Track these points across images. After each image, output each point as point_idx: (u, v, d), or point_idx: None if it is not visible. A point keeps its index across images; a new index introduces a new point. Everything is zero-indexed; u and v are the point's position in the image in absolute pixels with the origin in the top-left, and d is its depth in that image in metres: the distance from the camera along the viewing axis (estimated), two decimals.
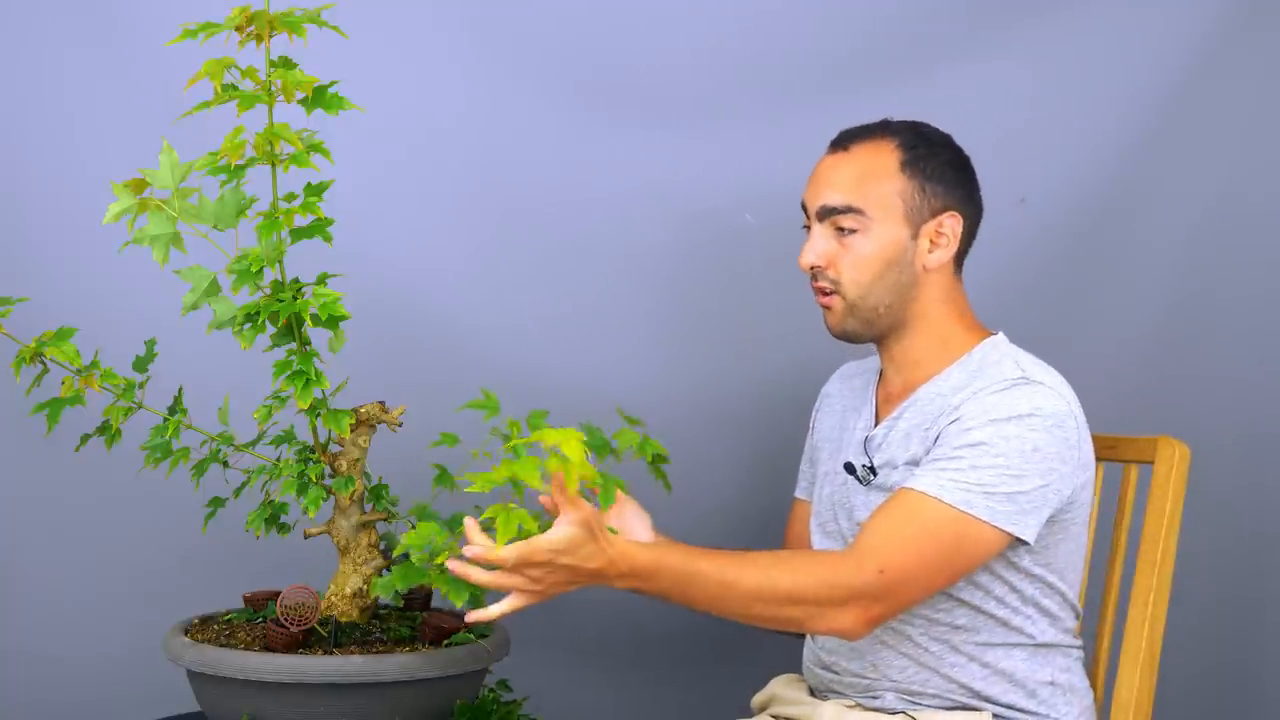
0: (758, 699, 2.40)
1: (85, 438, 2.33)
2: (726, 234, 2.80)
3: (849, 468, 2.30)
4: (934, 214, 2.26)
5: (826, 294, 2.29)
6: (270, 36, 2.12)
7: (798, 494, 2.54)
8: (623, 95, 2.79)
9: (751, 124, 2.80)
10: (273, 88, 2.12)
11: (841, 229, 2.26)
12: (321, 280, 2.19)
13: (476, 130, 2.78)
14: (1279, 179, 2.83)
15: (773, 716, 2.34)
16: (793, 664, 2.41)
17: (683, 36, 2.79)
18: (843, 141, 2.31)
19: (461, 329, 2.78)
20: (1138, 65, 2.80)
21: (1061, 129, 2.79)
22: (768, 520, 2.75)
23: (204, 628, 2.29)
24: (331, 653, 2.17)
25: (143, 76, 2.67)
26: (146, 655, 2.52)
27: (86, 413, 2.31)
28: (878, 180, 2.25)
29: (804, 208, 2.32)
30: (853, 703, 2.25)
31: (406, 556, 2.10)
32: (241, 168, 2.13)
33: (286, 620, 2.19)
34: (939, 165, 2.27)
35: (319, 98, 2.14)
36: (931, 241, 2.26)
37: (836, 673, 2.29)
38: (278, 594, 2.27)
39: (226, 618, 2.34)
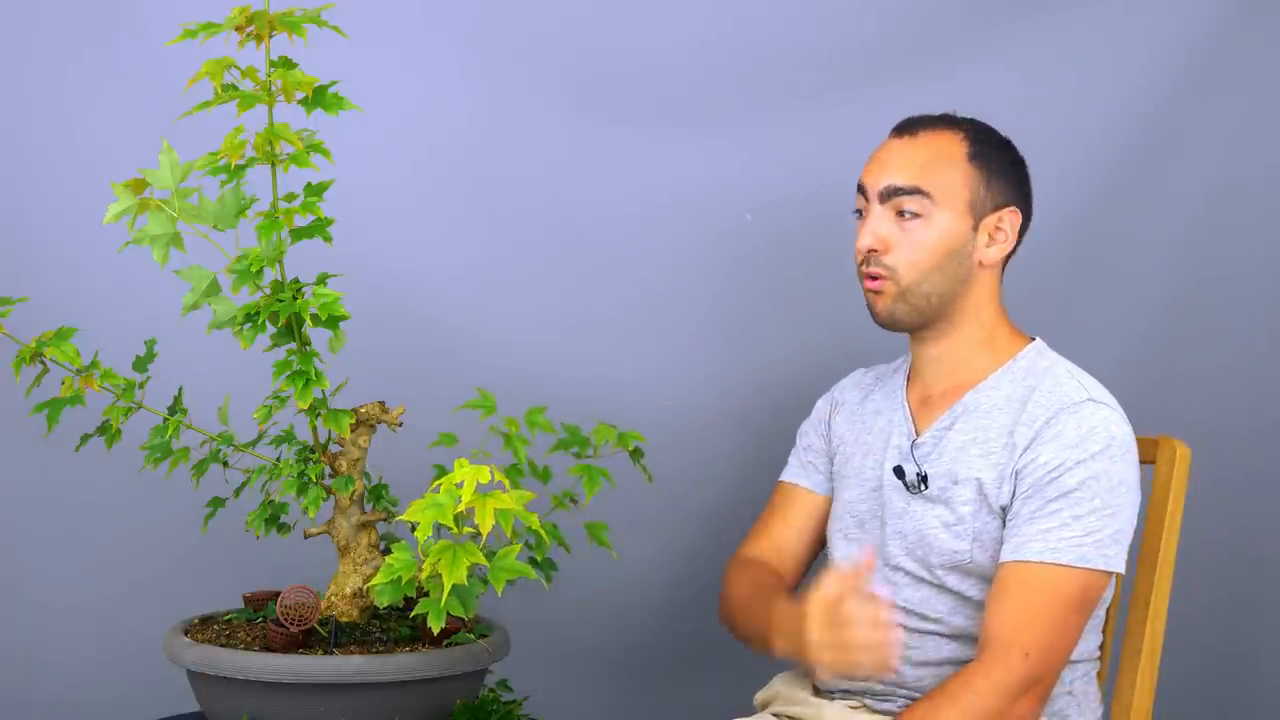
0: (760, 696, 2.39)
1: (85, 438, 2.33)
2: (726, 233, 2.80)
3: (899, 472, 2.25)
4: (995, 208, 2.24)
5: (876, 279, 2.24)
6: (270, 36, 2.13)
7: (791, 479, 2.44)
8: (621, 95, 2.79)
9: (751, 124, 2.80)
10: (273, 88, 2.12)
11: (903, 212, 2.21)
12: (321, 280, 2.20)
13: (475, 130, 2.78)
14: (1278, 178, 2.83)
15: (774, 715, 2.33)
16: (790, 664, 2.41)
17: (683, 37, 2.79)
18: (909, 128, 2.28)
19: (461, 328, 2.78)
20: (1134, 65, 2.80)
21: (1059, 130, 2.79)
22: None
23: (204, 628, 2.29)
24: (331, 653, 2.17)
25: (143, 76, 2.67)
26: (146, 655, 2.52)
27: (86, 413, 2.31)
28: (946, 167, 2.23)
29: (861, 190, 2.27)
30: (859, 703, 2.25)
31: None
32: (241, 168, 2.13)
33: (286, 620, 2.19)
34: (1003, 162, 2.25)
35: (319, 98, 2.14)
36: (990, 236, 2.23)
37: (863, 679, 2.25)
38: (278, 594, 2.27)
39: (226, 618, 2.34)
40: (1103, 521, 2.12)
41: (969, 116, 2.28)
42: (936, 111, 2.29)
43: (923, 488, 2.22)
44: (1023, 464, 2.16)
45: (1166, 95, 2.80)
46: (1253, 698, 2.92)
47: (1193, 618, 2.69)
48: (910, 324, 2.25)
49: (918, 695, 2.21)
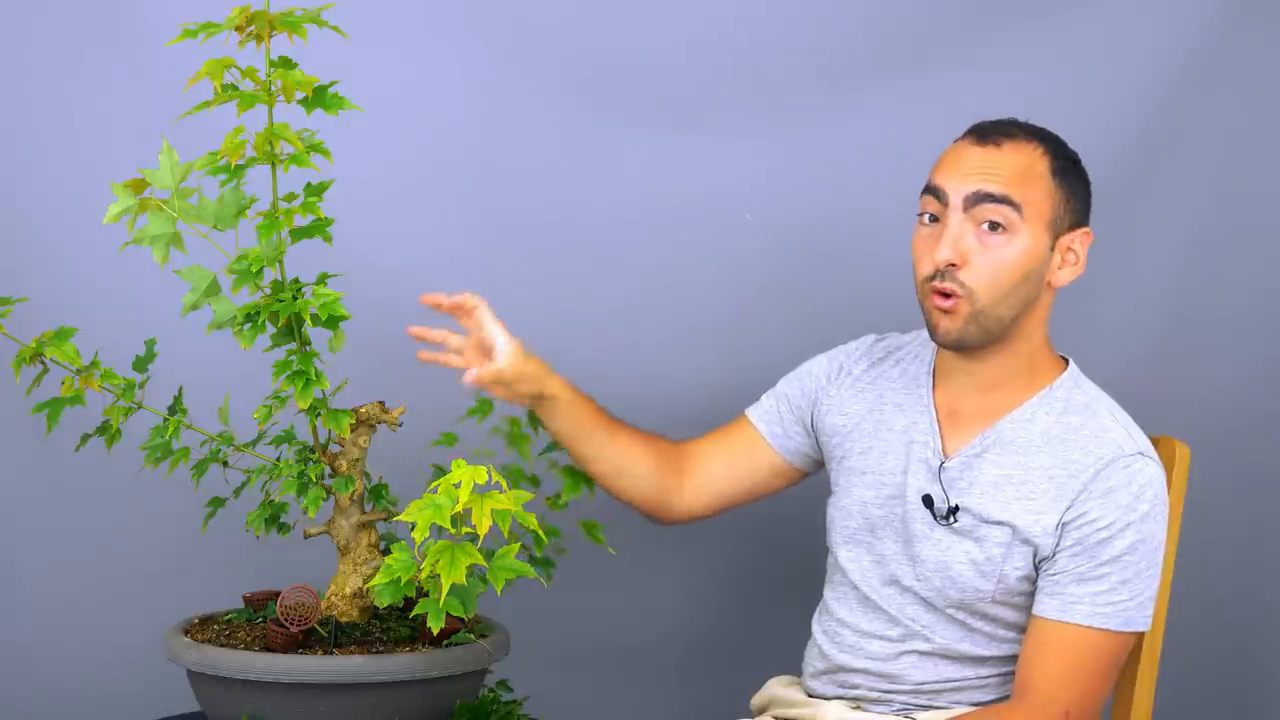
0: (756, 700, 2.39)
1: (85, 438, 2.33)
2: (726, 234, 2.80)
3: (927, 500, 2.17)
4: (1071, 228, 2.13)
5: (949, 296, 2.09)
6: (270, 36, 2.12)
7: (752, 416, 2.40)
8: (622, 95, 2.79)
9: (751, 124, 2.79)
10: (273, 88, 2.12)
11: (989, 224, 2.07)
12: (321, 280, 2.20)
13: (476, 130, 2.78)
14: (1277, 178, 2.83)
15: (774, 718, 2.33)
16: (790, 665, 2.41)
17: (683, 36, 2.79)
18: (990, 134, 2.13)
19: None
20: (1134, 65, 2.80)
21: (1059, 130, 2.77)
22: (768, 518, 2.75)
23: (204, 628, 2.29)
24: (331, 653, 2.17)
25: (143, 76, 2.67)
26: (146, 655, 2.52)
27: (86, 413, 2.31)
28: (1034, 180, 2.10)
29: (935, 193, 2.12)
30: (855, 703, 2.24)
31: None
32: (241, 168, 2.13)
33: (286, 620, 2.19)
34: (1079, 180, 2.15)
35: (319, 98, 2.14)
36: (1063, 257, 2.13)
37: (853, 686, 2.25)
38: (278, 594, 2.27)
39: (226, 618, 2.34)
40: (1144, 584, 2.11)
41: (1039, 126, 2.18)
42: (1004, 116, 2.19)
43: (952, 520, 2.17)
44: (1070, 517, 2.11)
45: (1166, 95, 2.80)
46: (1254, 697, 2.92)
47: (1193, 617, 2.68)
48: (976, 346, 2.14)
49: (914, 702, 2.21)
